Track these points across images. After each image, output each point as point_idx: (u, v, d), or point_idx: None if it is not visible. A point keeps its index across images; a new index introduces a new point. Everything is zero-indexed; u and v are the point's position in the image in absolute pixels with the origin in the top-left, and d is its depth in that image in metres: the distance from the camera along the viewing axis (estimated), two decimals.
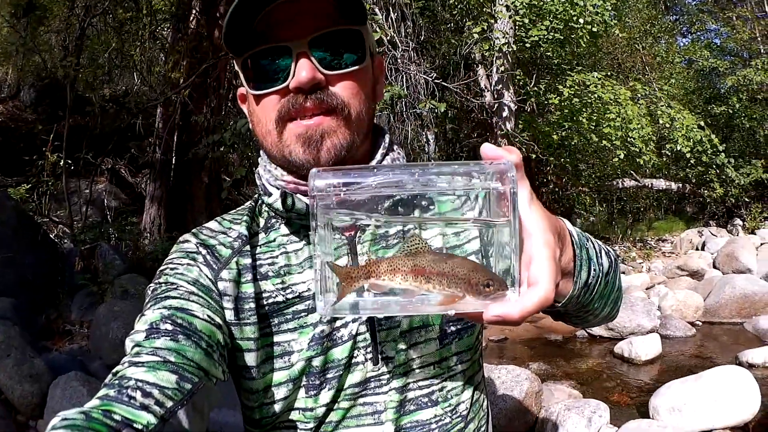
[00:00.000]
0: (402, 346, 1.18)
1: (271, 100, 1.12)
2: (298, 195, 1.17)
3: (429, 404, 1.20)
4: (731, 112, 17.78)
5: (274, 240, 1.23)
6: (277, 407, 1.15)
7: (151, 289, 1.14)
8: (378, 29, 8.69)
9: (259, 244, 1.23)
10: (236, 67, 1.16)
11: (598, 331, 7.84)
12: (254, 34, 1.09)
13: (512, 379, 5.21)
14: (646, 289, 10.15)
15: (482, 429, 1.32)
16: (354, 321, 1.17)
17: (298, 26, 1.08)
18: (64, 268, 7.78)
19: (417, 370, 1.20)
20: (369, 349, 1.17)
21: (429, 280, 0.83)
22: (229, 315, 1.13)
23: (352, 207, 0.87)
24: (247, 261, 1.18)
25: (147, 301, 1.11)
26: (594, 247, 1.11)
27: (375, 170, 0.84)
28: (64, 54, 12.21)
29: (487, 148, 0.85)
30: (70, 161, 9.27)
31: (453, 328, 1.23)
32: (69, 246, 8.92)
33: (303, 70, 1.07)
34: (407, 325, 1.19)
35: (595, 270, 1.07)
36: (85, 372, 5.19)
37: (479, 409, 1.32)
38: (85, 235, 8.67)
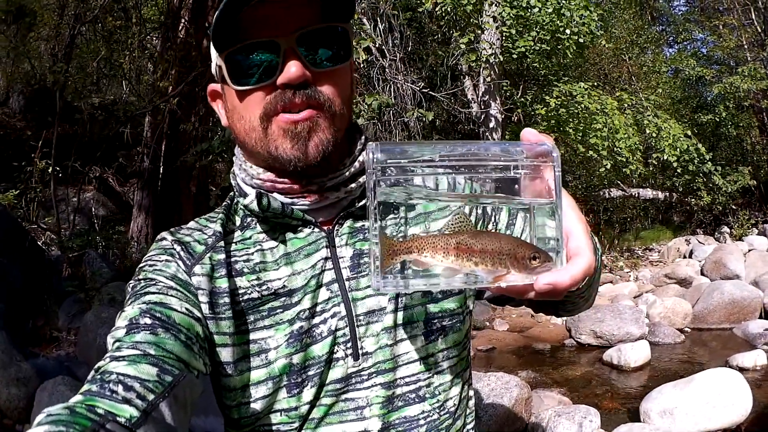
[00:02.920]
0: (384, 341, 1.18)
1: (256, 96, 1.11)
2: (275, 194, 1.19)
3: (416, 400, 1.20)
4: (718, 120, 17.87)
5: (250, 237, 1.23)
6: (257, 406, 1.14)
7: (131, 286, 1.16)
8: (366, 37, 8.71)
9: (235, 241, 1.23)
10: (218, 63, 1.14)
11: (586, 339, 7.86)
12: (239, 29, 1.08)
13: (501, 386, 5.20)
14: (634, 297, 10.15)
15: (470, 427, 1.33)
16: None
17: (285, 22, 1.07)
18: (51, 275, 7.74)
19: (402, 366, 1.20)
20: (349, 345, 1.17)
21: (471, 258, 0.84)
22: (205, 309, 1.13)
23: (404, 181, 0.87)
24: (221, 257, 1.18)
25: (127, 298, 1.13)
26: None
27: (432, 146, 0.87)
28: (53, 61, 12.18)
29: (528, 133, 0.89)
30: (58, 168, 9.25)
31: (438, 325, 1.23)
32: (56, 253, 8.90)
33: (293, 67, 1.06)
34: (391, 322, 1.18)
35: (599, 253, 1.13)
36: (73, 377, 5.15)
37: (466, 407, 1.32)
38: (72, 242, 8.62)
